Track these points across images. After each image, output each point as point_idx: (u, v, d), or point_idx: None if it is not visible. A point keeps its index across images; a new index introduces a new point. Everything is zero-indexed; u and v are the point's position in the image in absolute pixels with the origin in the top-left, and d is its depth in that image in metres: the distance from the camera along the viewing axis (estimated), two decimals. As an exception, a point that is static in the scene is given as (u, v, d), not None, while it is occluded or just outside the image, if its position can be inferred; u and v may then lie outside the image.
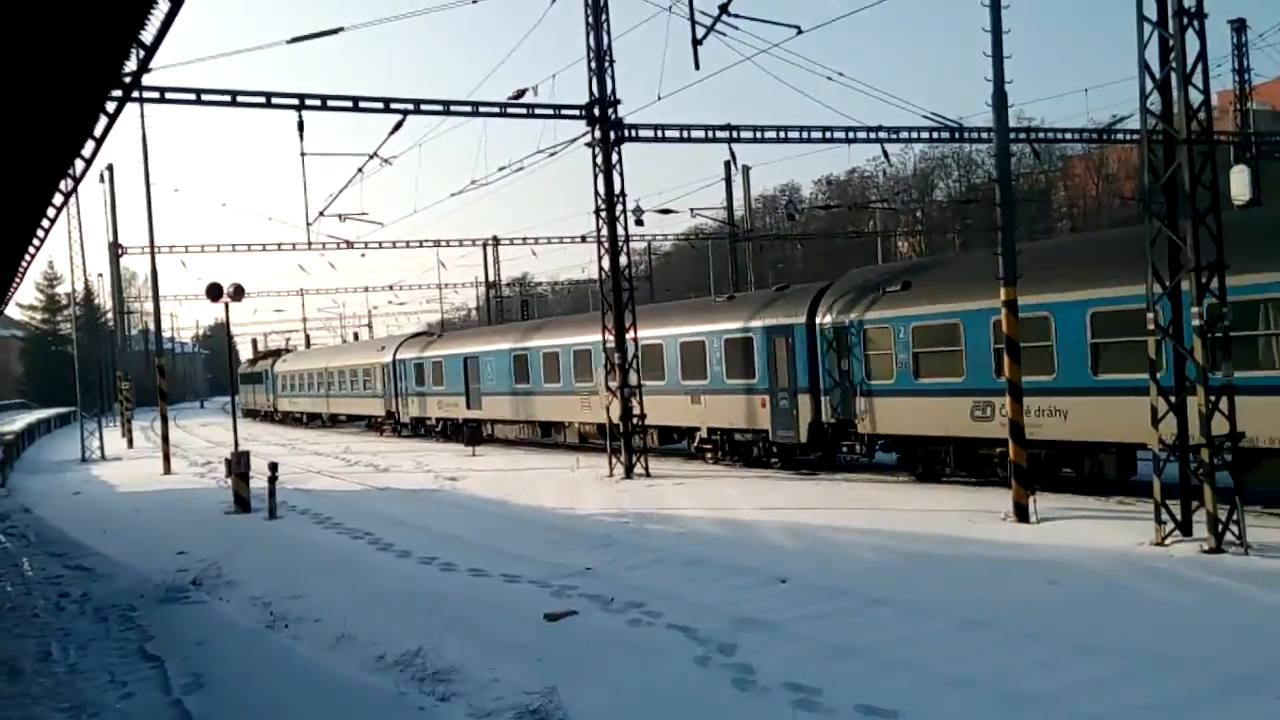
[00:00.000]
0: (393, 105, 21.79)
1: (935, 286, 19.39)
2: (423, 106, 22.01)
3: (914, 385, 19.26)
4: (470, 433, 34.57)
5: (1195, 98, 12.50)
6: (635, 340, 23.72)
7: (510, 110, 22.79)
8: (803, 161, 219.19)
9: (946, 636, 9.55)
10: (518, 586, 12.76)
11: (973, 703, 7.84)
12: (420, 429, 41.97)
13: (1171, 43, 12.53)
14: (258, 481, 21.18)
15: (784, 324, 22.50)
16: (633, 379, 23.43)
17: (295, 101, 21.05)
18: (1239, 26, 36.96)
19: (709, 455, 25.26)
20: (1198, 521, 12.58)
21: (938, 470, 19.38)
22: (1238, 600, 10.25)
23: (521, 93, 22.85)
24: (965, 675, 8.38)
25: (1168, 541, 12.58)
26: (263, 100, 20.96)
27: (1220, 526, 12.04)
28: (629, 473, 22.93)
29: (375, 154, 23.83)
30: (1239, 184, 28.57)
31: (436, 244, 49.11)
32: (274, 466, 20.72)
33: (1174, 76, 12.60)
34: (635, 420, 23.38)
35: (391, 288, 73.94)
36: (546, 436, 32.71)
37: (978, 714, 7.67)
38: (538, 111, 22.83)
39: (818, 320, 21.59)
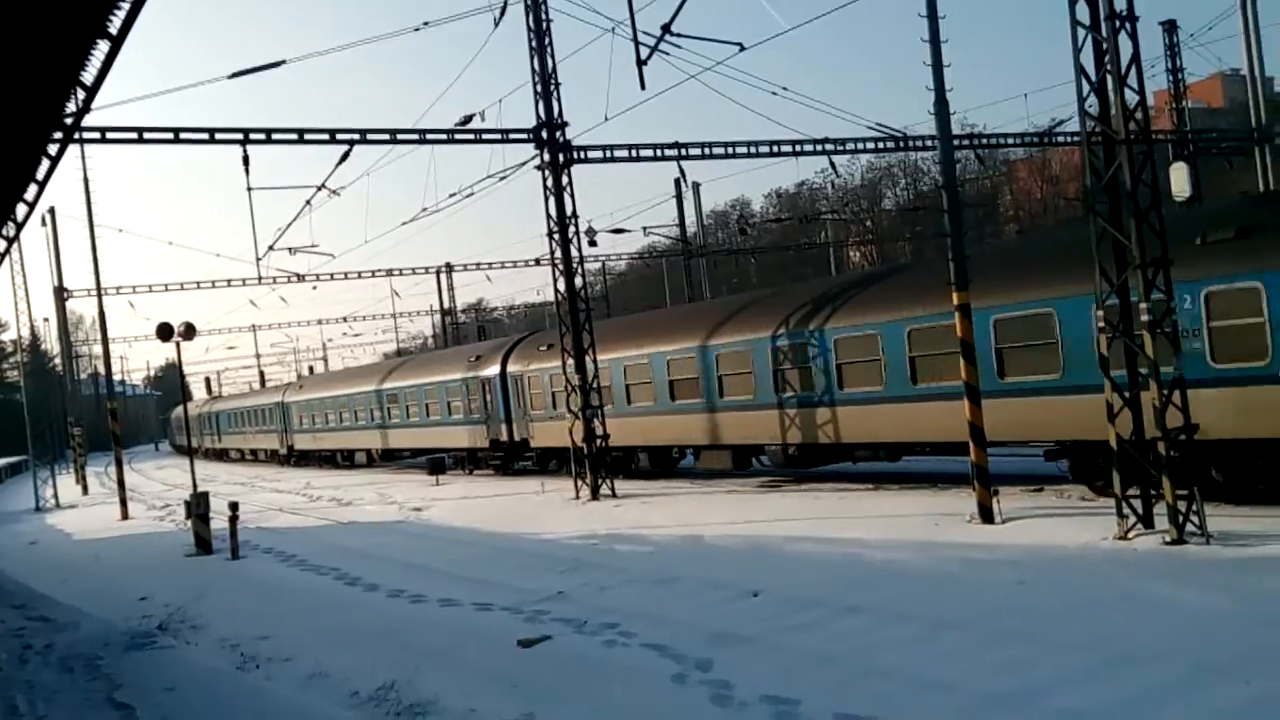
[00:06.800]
0: (338, 136, 21.68)
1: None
2: (369, 136, 21.91)
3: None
4: (433, 463, 34.23)
5: (1131, 98, 12.77)
6: (595, 361, 23.70)
7: (458, 137, 22.72)
8: (752, 176, 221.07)
9: (921, 640, 9.61)
10: (489, 614, 12.66)
11: (951, 705, 7.89)
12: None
13: (1105, 46, 12.79)
14: (218, 522, 20.88)
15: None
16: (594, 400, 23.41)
17: (239, 136, 20.84)
18: (1170, 28, 37.78)
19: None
20: (1158, 514, 12.76)
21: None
22: (1203, 589, 10.36)
23: (469, 119, 22.82)
24: (942, 678, 8.44)
25: (1130, 535, 12.75)
26: (206, 136, 20.76)
27: (1181, 518, 12.21)
28: (595, 494, 22.88)
29: (323, 185, 23.63)
30: (1179, 181, 29.11)
31: (389, 273, 49.24)
32: (234, 506, 20.41)
33: (1109, 79, 12.85)
34: (599, 441, 23.35)
35: (345, 319, 72.94)
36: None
37: (957, 716, 7.73)
38: (485, 137, 22.80)
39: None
